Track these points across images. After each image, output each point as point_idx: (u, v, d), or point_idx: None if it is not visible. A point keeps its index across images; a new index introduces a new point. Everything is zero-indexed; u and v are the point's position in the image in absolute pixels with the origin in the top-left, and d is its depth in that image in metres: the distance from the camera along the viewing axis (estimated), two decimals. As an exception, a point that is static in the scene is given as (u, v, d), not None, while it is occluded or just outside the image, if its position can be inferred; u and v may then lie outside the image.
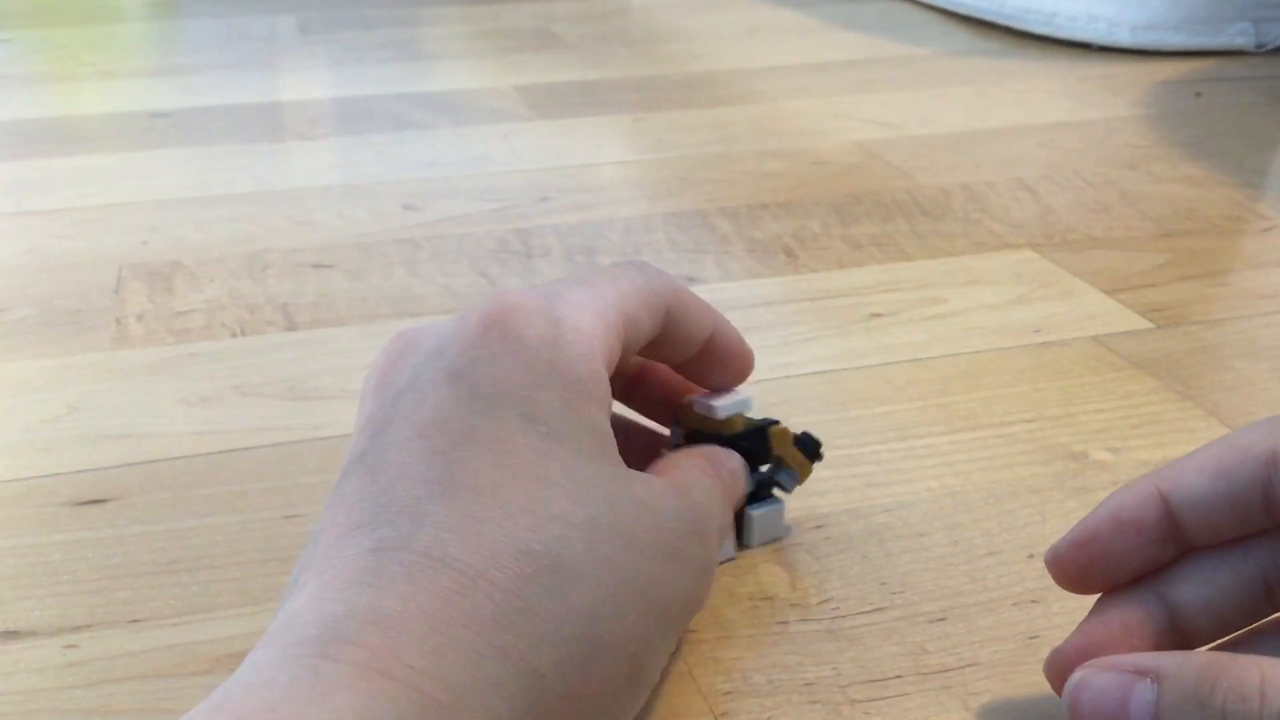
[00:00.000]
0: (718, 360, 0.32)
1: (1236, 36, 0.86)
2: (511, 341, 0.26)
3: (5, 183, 0.63)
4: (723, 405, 0.32)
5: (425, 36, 0.96)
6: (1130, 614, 0.26)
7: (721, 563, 0.32)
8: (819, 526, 0.34)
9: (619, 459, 0.26)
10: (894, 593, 0.31)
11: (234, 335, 0.46)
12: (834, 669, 0.29)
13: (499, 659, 0.22)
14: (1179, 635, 0.26)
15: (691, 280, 0.50)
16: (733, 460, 0.31)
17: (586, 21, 1.01)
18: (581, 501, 0.24)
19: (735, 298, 0.49)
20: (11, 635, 0.30)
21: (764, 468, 0.33)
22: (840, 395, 0.41)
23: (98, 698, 0.28)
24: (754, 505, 0.33)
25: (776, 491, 0.34)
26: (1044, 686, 0.28)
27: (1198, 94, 0.77)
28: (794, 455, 0.33)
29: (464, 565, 0.22)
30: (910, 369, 0.43)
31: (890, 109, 0.75)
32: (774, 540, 0.34)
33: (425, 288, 0.50)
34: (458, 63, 0.88)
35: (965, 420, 0.40)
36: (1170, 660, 0.23)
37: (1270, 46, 0.87)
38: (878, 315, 0.47)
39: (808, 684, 0.28)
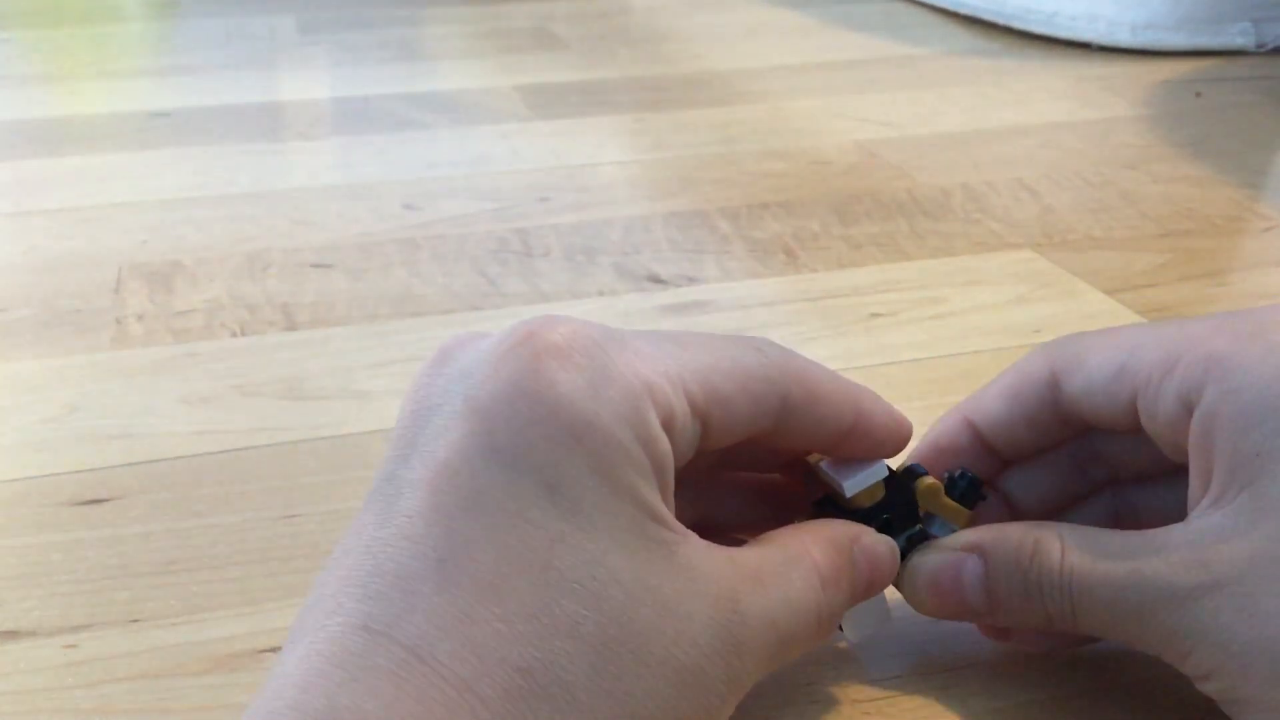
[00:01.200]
0: (860, 444, 0.27)
1: (1236, 36, 0.86)
2: (543, 385, 0.22)
3: (5, 183, 0.63)
4: (851, 484, 0.27)
5: (425, 36, 0.96)
6: None
7: (857, 640, 0.29)
8: (819, 526, 0.34)
9: (661, 540, 0.23)
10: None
11: (234, 335, 0.46)
12: (834, 669, 0.29)
13: None
14: (1011, 512, 0.30)
15: (691, 280, 0.50)
16: (879, 550, 0.27)
17: (586, 21, 1.01)
18: (593, 605, 0.21)
19: (735, 298, 0.49)
20: (11, 635, 0.30)
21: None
22: (840, 395, 0.41)
23: (98, 698, 0.28)
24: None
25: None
26: (1044, 687, 0.28)
27: (1198, 94, 0.77)
28: (948, 507, 0.28)
29: (451, 673, 0.20)
30: (910, 369, 0.43)
31: (890, 109, 0.75)
32: (876, 635, 0.29)
33: (425, 288, 0.50)
34: (458, 63, 0.88)
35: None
36: (990, 536, 0.27)
37: (1270, 46, 0.87)
38: (878, 315, 0.47)
39: (808, 684, 0.28)
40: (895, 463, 0.28)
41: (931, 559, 0.27)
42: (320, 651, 0.21)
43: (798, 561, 0.25)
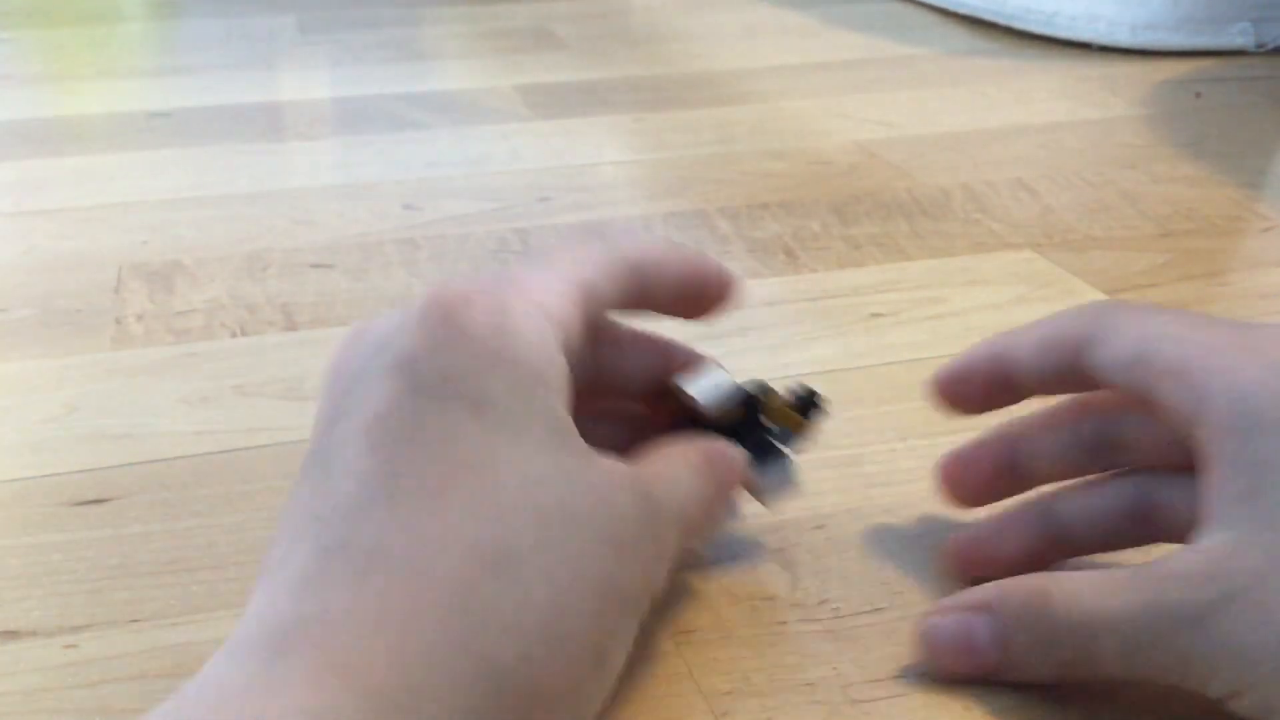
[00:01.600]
0: (701, 295, 0.31)
1: (1236, 36, 0.86)
2: (455, 330, 0.25)
3: (5, 183, 0.63)
4: (701, 394, 0.31)
5: (425, 36, 0.96)
6: (1020, 524, 0.31)
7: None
8: (819, 527, 0.34)
9: (578, 445, 0.26)
10: (894, 593, 0.31)
11: (234, 335, 0.46)
12: (834, 669, 0.29)
13: (456, 654, 0.22)
14: (1016, 480, 0.31)
15: (691, 280, 0.50)
16: (729, 452, 0.30)
17: (586, 21, 1.01)
18: (529, 493, 0.24)
19: (735, 298, 0.49)
20: (11, 635, 0.30)
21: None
22: (840, 395, 0.41)
23: (98, 698, 0.28)
24: (761, 468, 0.32)
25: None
26: (1044, 687, 0.28)
27: (1198, 94, 0.77)
28: (791, 417, 0.32)
29: (406, 564, 0.22)
30: (910, 369, 0.43)
31: (890, 109, 0.75)
32: (790, 495, 0.33)
33: (425, 288, 0.50)
34: (458, 63, 0.88)
35: (966, 420, 0.39)
36: (995, 593, 0.27)
37: (1270, 46, 0.87)
38: (878, 315, 0.47)
39: (808, 684, 0.28)
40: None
41: (944, 621, 0.28)
42: (279, 584, 0.23)
43: (682, 463, 0.28)
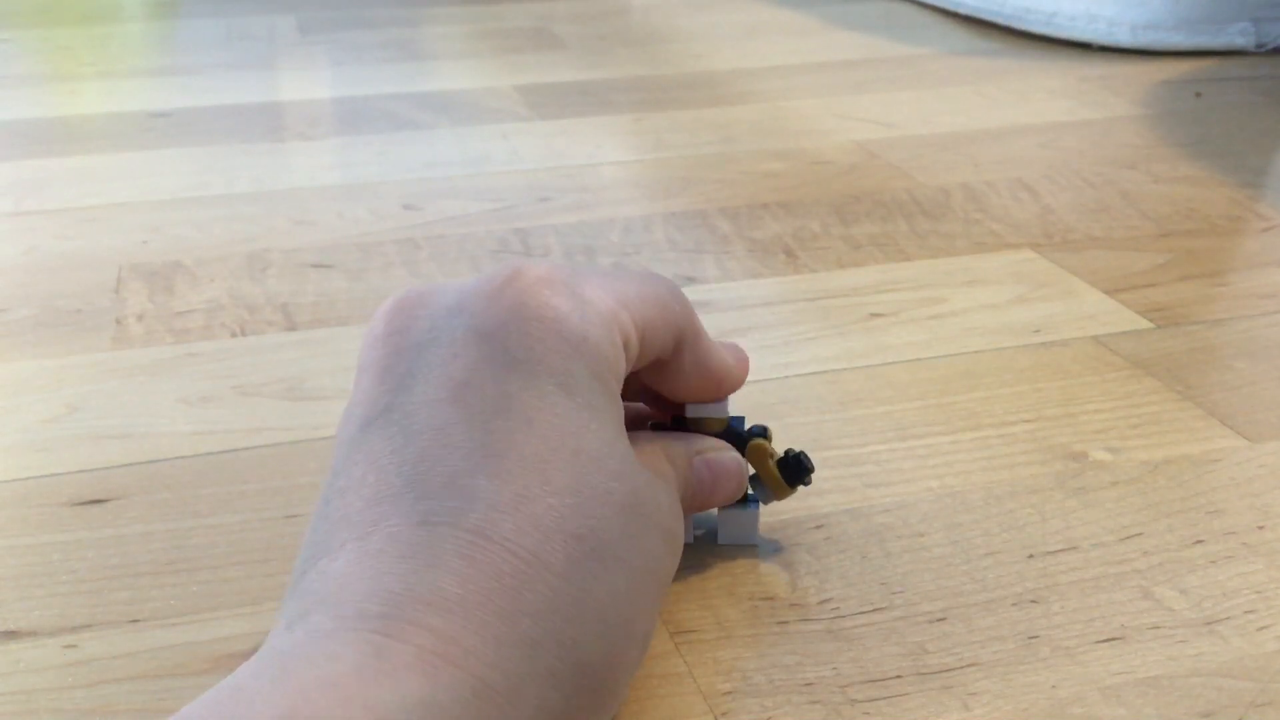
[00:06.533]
0: (708, 388, 0.31)
1: (1236, 36, 0.86)
2: (541, 309, 0.25)
3: (5, 183, 0.63)
4: (693, 405, 0.31)
5: (425, 36, 0.96)
6: None
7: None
8: (819, 526, 0.34)
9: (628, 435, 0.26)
10: (894, 593, 0.31)
11: (234, 335, 0.46)
12: (834, 669, 0.29)
13: (556, 651, 0.22)
14: None
15: (691, 280, 0.50)
16: (718, 457, 0.30)
17: (586, 21, 1.01)
18: (616, 479, 0.24)
19: (735, 298, 0.49)
20: (11, 635, 0.30)
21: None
22: (840, 395, 0.41)
23: (98, 698, 0.28)
24: (729, 506, 0.32)
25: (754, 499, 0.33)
26: (1043, 686, 0.28)
27: (1198, 94, 0.77)
28: (771, 475, 0.32)
29: (518, 547, 0.22)
30: (910, 369, 0.43)
31: (890, 109, 0.75)
32: (743, 544, 0.33)
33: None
34: (458, 63, 0.88)
35: (965, 420, 0.40)
36: None
37: (1270, 46, 0.86)
38: (878, 315, 0.47)
39: (808, 684, 0.28)
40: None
41: None
42: (379, 551, 0.22)
43: (649, 457, 0.29)
